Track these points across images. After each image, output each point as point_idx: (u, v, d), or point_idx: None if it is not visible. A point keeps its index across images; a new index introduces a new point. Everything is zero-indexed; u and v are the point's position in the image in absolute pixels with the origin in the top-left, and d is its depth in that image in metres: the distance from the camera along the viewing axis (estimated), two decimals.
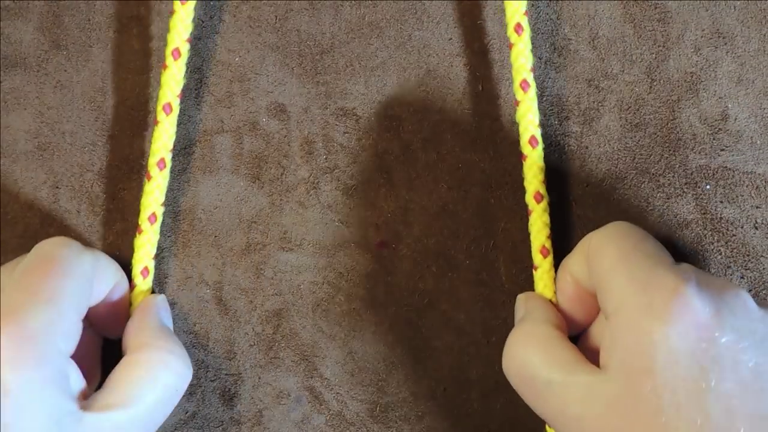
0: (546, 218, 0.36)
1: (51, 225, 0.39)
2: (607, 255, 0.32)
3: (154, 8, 0.40)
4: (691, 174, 0.38)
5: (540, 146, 0.37)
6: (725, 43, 0.38)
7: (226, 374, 0.38)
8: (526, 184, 0.36)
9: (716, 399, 0.28)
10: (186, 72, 0.38)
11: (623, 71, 0.38)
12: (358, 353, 0.38)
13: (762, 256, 0.37)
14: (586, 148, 0.38)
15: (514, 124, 0.37)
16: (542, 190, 0.36)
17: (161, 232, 0.38)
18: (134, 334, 0.35)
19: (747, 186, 0.37)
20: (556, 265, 0.36)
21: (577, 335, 0.36)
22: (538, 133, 0.37)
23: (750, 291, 0.37)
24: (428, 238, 0.38)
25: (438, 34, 0.39)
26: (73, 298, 0.33)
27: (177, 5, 0.37)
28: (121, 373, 0.34)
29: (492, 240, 0.38)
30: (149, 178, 0.37)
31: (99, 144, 0.39)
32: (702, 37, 0.38)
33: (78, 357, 0.33)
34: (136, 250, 0.37)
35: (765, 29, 0.38)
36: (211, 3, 0.40)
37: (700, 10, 0.38)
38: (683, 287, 0.29)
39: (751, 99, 0.38)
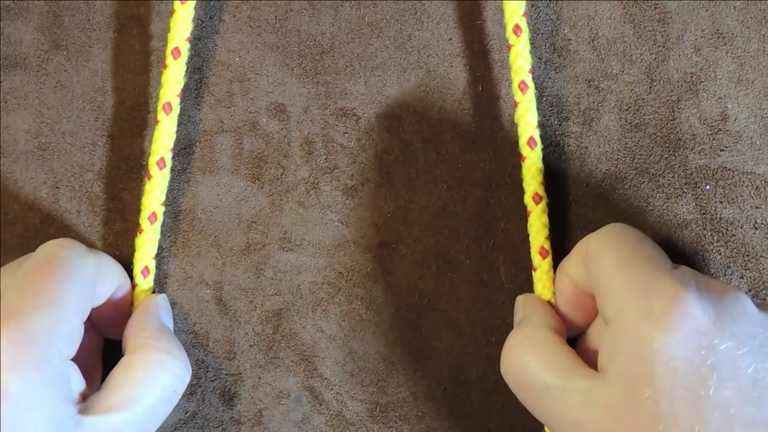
0: (545, 219, 0.36)
1: (51, 225, 0.39)
2: (606, 259, 0.32)
3: (154, 8, 0.40)
4: (691, 174, 0.38)
5: (539, 147, 0.37)
6: (725, 44, 0.38)
7: (226, 374, 0.38)
8: (524, 185, 0.36)
9: (714, 407, 0.28)
10: (186, 72, 0.38)
11: (623, 71, 0.38)
12: (358, 353, 0.38)
13: (762, 256, 0.37)
14: (586, 148, 0.38)
15: (514, 125, 0.37)
16: (541, 191, 0.36)
17: (161, 233, 0.38)
18: (133, 335, 0.35)
19: (747, 186, 0.37)
20: (556, 265, 0.36)
21: (576, 337, 0.36)
22: (536, 134, 0.37)
23: (750, 291, 0.37)
24: (428, 238, 0.38)
25: (438, 34, 0.39)
26: (75, 301, 0.33)
27: (177, 5, 0.37)
28: (119, 374, 0.34)
29: (492, 240, 0.38)
30: (149, 177, 0.37)
31: (99, 144, 0.39)
32: (702, 37, 0.38)
33: (79, 358, 0.33)
34: (136, 249, 0.37)
35: (765, 29, 0.38)
36: (211, 3, 0.40)
37: (700, 11, 0.38)
38: (683, 293, 0.29)
39: (750, 99, 0.38)
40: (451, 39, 0.39)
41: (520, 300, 0.36)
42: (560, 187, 0.38)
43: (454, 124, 0.39)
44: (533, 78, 0.37)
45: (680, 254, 0.37)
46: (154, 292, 0.38)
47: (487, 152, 0.38)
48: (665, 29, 0.38)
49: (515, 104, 0.37)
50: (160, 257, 0.38)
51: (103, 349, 0.38)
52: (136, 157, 0.39)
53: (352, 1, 0.39)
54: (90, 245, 0.38)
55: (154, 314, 0.36)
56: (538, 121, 0.37)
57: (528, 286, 0.37)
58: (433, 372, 0.38)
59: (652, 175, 0.38)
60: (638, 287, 0.30)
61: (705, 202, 0.37)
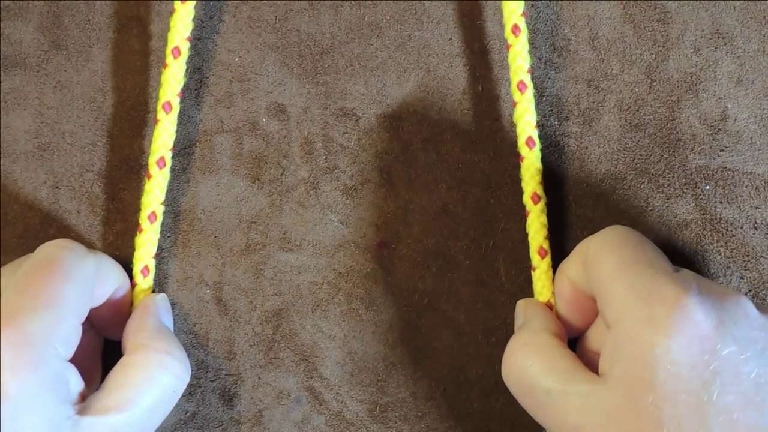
0: (543, 219, 0.36)
1: (51, 225, 0.39)
2: (606, 262, 0.32)
3: (154, 8, 0.40)
4: (691, 174, 0.38)
5: (537, 147, 0.37)
6: (725, 44, 0.38)
7: (226, 374, 0.38)
8: (523, 185, 0.36)
9: (717, 412, 0.28)
10: (186, 72, 0.38)
11: (623, 71, 0.38)
12: (358, 353, 0.38)
13: (761, 256, 0.37)
14: (586, 148, 0.38)
15: (514, 125, 0.37)
16: (540, 192, 0.36)
17: (161, 233, 0.38)
18: (133, 335, 0.35)
19: (746, 186, 0.37)
20: (556, 265, 0.36)
21: (576, 338, 0.36)
22: (535, 134, 0.37)
23: (749, 291, 0.37)
24: (428, 238, 0.38)
25: (438, 34, 0.39)
26: (74, 302, 0.33)
27: (177, 5, 0.37)
28: (118, 374, 0.34)
29: (492, 240, 0.38)
30: (149, 176, 0.37)
31: (99, 144, 0.39)
32: (702, 37, 0.38)
33: (78, 359, 0.33)
34: (136, 249, 0.37)
35: (765, 29, 0.38)
36: (211, 3, 0.40)
37: (700, 11, 0.38)
38: (685, 298, 0.29)
39: (750, 99, 0.38)
40: (451, 39, 0.39)
41: (521, 304, 0.36)
42: (560, 187, 0.38)
43: (454, 124, 0.39)
44: (533, 78, 0.37)
45: (680, 255, 0.37)
46: (154, 292, 0.38)
47: (487, 152, 0.38)
48: (665, 29, 0.38)
49: (514, 104, 0.37)
50: (159, 257, 0.38)
51: (102, 350, 0.38)
52: (136, 157, 0.39)
53: (352, 1, 0.39)
54: (90, 245, 0.38)
55: (154, 314, 0.36)
56: (538, 121, 0.37)
57: (528, 287, 0.37)
58: (433, 372, 0.38)
59: (652, 175, 0.38)
60: (639, 291, 0.30)
61: (705, 202, 0.37)
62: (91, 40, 0.40)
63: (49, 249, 0.34)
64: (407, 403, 0.38)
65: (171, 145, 0.37)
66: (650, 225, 0.37)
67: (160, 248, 0.38)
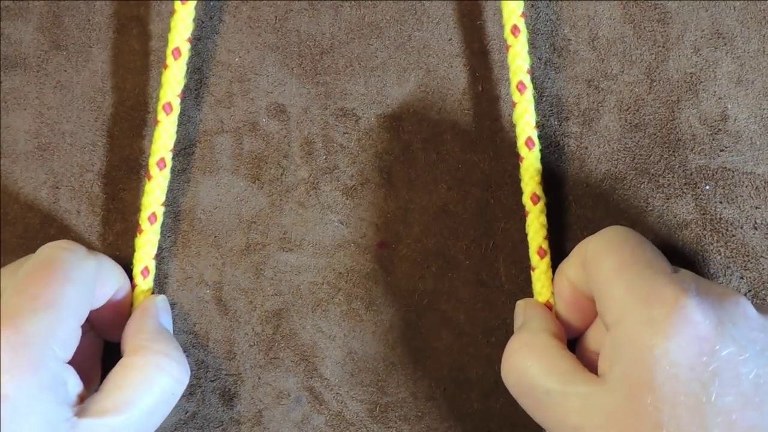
0: (543, 219, 0.36)
1: (51, 225, 0.39)
2: (605, 263, 0.32)
3: (154, 8, 0.40)
4: (691, 174, 0.38)
5: (537, 148, 0.37)
6: (725, 44, 0.38)
7: (226, 374, 0.38)
8: (522, 185, 0.36)
9: (716, 413, 0.28)
10: (186, 72, 0.38)
11: (623, 72, 0.38)
12: (358, 353, 0.38)
13: (761, 256, 0.37)
14: (586, 148, 0.38)
15: (514, 125, 0.37)
16: (539, 192, 0.36)
17: (161, 233, 0.38)
18: (132, 336, 0.35)
19: (746, 186, 0.37)
20: (555, 265, 0.36)
21: (575, 339, 0.36)
22: (534, 134, 0.37)
23: (749, 291, 0.37)
24: (428, 238, 0.38)
25: (438, 34, 0.39)
26: (73, 303, 0.33)
27: (177, 5, 0.37)
28: (117, 376, 0.34)
29: (492, 240, 0.38)
30: (149, 177, 0.37)
31: (99, 144, 0.39)
32: (702, 37, 0.38)
33: (78, 360, 0.33)
34: (136, 249, 0.37)
35: (765, 29, 0.38)
36: (211, 3, 0.40)
37: (700, 11, 0.38)
38: (684, 299, 0.29)
39: (750, 99, 0.38)
40: (451, 39, 0.39)
41: (520, 305, 0.36)
42: (560, 187, 0.38)
43: (454, 124, 0.39)
44: (533, 78, 0.37)
45: (680, 255, 0.37)
46: (153, 292, 0.38)
47: (486, 152, 0.38)
48: (665, 29, 0.38)
49: (514, 104, 0.37)
50: (160, 257, 0.38)
51: (102, 351, 0.38)
52: (136, 157, 0.39)
53: (352, 1, 0.39)
54: (90, 245, 0.38)
55: (153, 316, 0.36)
56: (537, 122, 0.37)
57: (528, 287, 0.37)
58: (433, 372, 0.38)
59: (652, 175, 0.38)
60: (639, 292, 0.30)
61: (705, 202, 0.37)
62: (91, 40, 0.40)
63: (50, 250, 0.34)
64: (407, 403, 0.38)
65: (171, 146, 0.37)
66: (650, 225, 0.37)
67: (160, 248, 0.38)
